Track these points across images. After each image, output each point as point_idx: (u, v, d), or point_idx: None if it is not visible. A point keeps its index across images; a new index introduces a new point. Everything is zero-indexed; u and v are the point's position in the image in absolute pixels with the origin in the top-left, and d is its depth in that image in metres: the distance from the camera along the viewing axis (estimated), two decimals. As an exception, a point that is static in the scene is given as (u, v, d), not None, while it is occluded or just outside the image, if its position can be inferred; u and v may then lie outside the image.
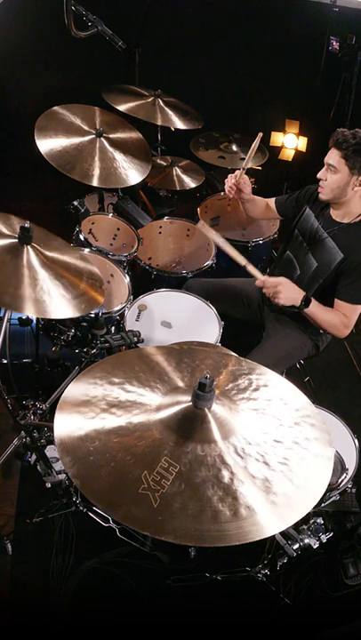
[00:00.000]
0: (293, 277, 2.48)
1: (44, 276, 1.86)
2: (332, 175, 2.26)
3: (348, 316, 2.33)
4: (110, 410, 1.41)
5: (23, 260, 1.85)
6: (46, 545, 2.31)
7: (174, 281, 2.83)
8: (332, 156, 2.25)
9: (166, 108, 3.19)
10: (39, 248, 1.91)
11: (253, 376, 1.60)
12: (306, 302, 2.32)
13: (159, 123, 3.15)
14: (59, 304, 1.83)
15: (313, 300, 2.34)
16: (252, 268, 2.36)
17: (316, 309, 2.34)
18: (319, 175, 2.31)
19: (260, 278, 2.34)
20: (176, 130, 3.21)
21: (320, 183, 2.32)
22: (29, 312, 1.76)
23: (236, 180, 2.56)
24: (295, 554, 1.89)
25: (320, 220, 2.42)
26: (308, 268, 2.43)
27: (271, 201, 2.71)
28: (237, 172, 2.58)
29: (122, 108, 2.99)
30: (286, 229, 2.64)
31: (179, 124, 3.17)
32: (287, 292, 2.31)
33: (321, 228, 2.40)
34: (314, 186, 2.42)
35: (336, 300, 2.35)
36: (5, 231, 1.91)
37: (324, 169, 2.29)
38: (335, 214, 2.38)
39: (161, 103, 3.17)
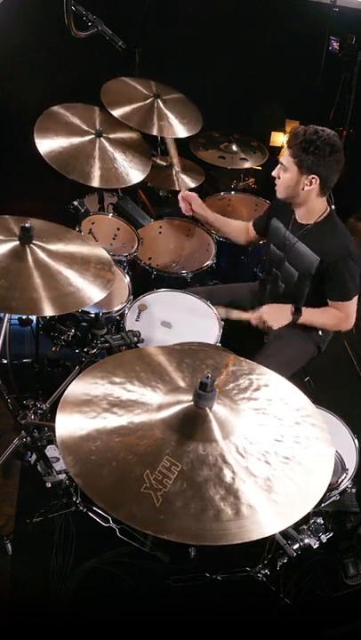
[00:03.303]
0: (280, 292, 2.52)
1: (54, 271, 1.86)
2: (284, 174, 2.24)
3: (344, 311, 2.37)
4: (112, 409, 1.42)
5: (29, 262, 1.84)
6: (46, 545, 2.30)
7: (174, 281, 2.83)
8: (284, 154, 2.22)
9: (165, 110, 3.13)
10: (42, 244, 1.91)
11: (254, 376, 1.60)
12: (297, 313, 2.39)
13: (154, 133, 3.04)
14: (75, 295, 1.84)
15: (303, 308, 2.39)
16: (234, 314, 2.43)
17: (309, 316, 2.41)
18: (273, 173, 2.29)
19: (246, 317, 2.41)
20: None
21: (275, 181, 2.30)
22: (48, 312, 1.76)
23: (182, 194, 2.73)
24: (295, 554, 1.89)
25: (287, 225, 2.41)
26: (291, 279, 2.44)
27: (250, 225, 2.71)
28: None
29: (118, 112, 2.94)
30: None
31: (176, 131, 3.09)
32: (274, 317, 2.39)
33: (290, 233, 2.39)
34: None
35: (328, 300, 2.38)
36: (1, 237, 1.90)
37: (278, 166, 2.26)
38: (300, 216, 2.36)
39: (160, 104, 3.16)
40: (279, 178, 2.27)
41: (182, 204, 2.76)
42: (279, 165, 2.25)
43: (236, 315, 2.44)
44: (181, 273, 2.86)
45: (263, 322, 2.39)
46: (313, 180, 2.19)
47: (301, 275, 2.38)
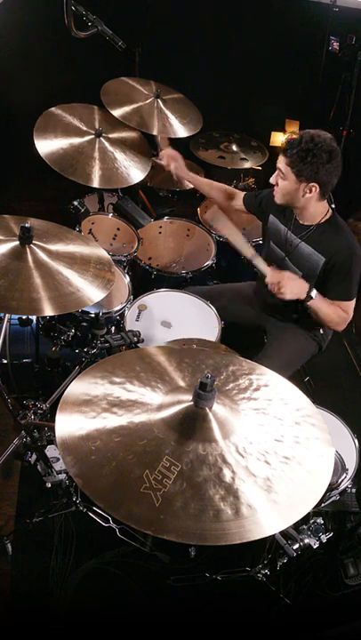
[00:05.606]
0: None
1: (53, 272, 1.86)
2: (282, 181, 2.20)
3: (346, 310, 2.35)
4: (111, 409, 1.42)
5: (29, 262, 1.84)
6: (46, 545, 2.30)
7: (174, 281, 2.83)
8: (280, 162, 2.18)
9: (165, 110, 3.13)
10: (42, 244, 1.91)
11: (254, 376, 1.60)
12: (310, 295, 2.28)
13: (155, 132, 3.04)
14: (75, 295, 1.84)
15: (318, 292, 2.29)
16: (258, 262, 2.35)
17: (320, 303, 2.31)
18: (271, 180, 2.25)
19: (265, 272, 2.31)
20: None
21: (274, 187, 2.27)
22: (47, 312, 1.76)
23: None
24: (295, 554, 1.89)
25: (288, 225, 2.38)
26: None
27: (239, 195, 2.65)
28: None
29: (117, 112, 2.94)
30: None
31: (176, 131, 3.10)
32: (291, 287, 2.26)
33: (291, 234, 2.36)
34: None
35: (330, 300, 2.35)
36: (1, 237, 1.90)
37: (275, 173, 2.22)
38: (301, 218, 2.33)
39: (160, 104, 3.16)
40: (277, 184, 2.24)
41: (164, 161, 2.78)
42: (277, 172, 2.22)
43: (260, 264, 2.35)
44: (181, 273, 2.86)
45: (279, 286, 2.26)
46: (313, 188, 2.16)
47: (305, 275, 2.37)
